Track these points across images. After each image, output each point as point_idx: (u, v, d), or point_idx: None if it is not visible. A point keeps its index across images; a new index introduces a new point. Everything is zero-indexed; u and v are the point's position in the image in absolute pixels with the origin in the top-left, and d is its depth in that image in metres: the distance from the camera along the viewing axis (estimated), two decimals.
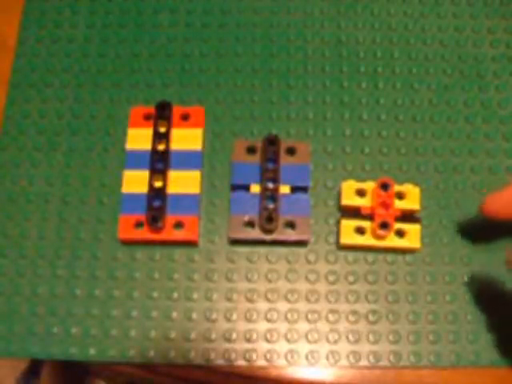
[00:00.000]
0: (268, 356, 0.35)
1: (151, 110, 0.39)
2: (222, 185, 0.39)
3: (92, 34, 0.43)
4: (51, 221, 0.38)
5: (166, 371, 0.37)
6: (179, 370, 0.37)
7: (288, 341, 0.36)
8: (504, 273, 0.37)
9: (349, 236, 0.37)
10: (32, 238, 0.38)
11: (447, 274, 0.37)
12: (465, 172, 0.39)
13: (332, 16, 0.43)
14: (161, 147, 0.38)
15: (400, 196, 0.37)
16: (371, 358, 0.35)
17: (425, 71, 0.42)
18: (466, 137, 0.40)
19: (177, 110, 0.39)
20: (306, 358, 0.35)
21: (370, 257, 0.37)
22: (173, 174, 0.38)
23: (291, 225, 0.37)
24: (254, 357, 0.35)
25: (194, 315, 0.36)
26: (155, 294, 0.37)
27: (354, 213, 0.37)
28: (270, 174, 0.37)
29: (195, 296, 0.37)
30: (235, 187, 0.38)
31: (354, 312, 0.36)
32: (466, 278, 0.37)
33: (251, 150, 0.38)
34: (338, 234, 0.37)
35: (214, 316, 0.36)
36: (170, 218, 0.37)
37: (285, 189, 0.37)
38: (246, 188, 0.37)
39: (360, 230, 0.37)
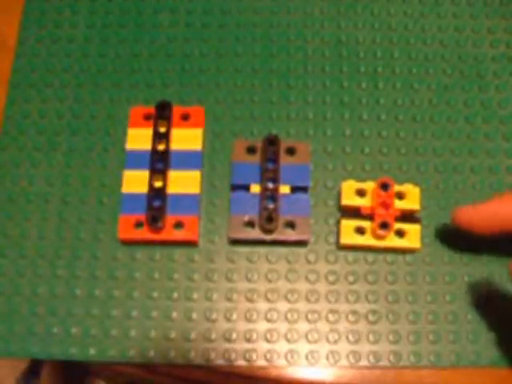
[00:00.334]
0: (268, 356, 0.35)
1: (151, 110, 0.39)
2: (222, 185, 0.39)
3: (92, 34, 0.43)
4: (51, 221, 0.38)
5: (166, 371, 0.37)
6: (179, 370, 0.37)
7: (288, 341, 0.36)
8: (504, 273, 0.37)
9: (349, 236, 0.37)
10: (32, 238, 0.38)
11: (447, 273, 0.37)
12: (465, 172, 0.39)
13: (332, 16, 0.43)
14: (161, 147, 0.38)
15: (400, 196, 0.37)
16: (371, 357, 0.35)
17: (425, 71, 0.42)
18: (466, 137, 0.40)
19: (177, 110, 0.39)
20: (306, 358, 0.35)
21: (370, 257, 0.37)
22: (173, 174, 0.38)
23: (291, 225, 0.37)
24: (254, 357, 0.35)
25: (194, 315, 0.36)
26: (155, 294, 0.37)
27: (354, 213, 0.37)
28: (269, 174, 0.37)
29: (195, 296, 0.37)
30: (235, 187, 0.38)
31: (354, 312, 0.36)
32: (466, 278, 0.37)
33: (251, 150, 0.38)
34: (337, 233, 0.37)
35: (214, 316, 0.36)
36: (170, 218, 0.37)
37: (285, 189, 0.37)
38: (246, 188, 0.37)
39: (360, 230, 0.37)
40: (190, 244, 0.37)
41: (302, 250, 0.38)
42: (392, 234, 0.36)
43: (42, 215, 0.38)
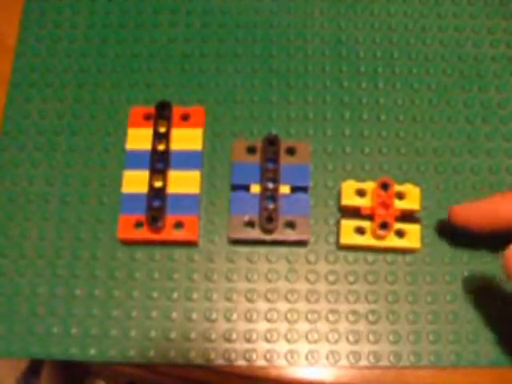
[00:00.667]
0: (268, 356, 0.35)
1: (151, 110, 0.39)
2: (222, 185, 0.39)
3: (92, 34, 0.43)
4: (51, 221, 0.38)
5: (166, 371, 0.37)
6: (179, 370, 0.37)
7: (288, 341, 0.36)
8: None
9: (349, 236, 0.37)
10: (32, 238, 0.38)
11: (447, 273, 0.37)
12: (465, 172, 0.39)
13: (332, 16, 0.43)
14: (161, 147, 0.38)
15: (400, 196, 0.37)
16: (371, 357, 0.35)
17: (425, 71, 0.42)
18: (466, 137, 0.40)
19: (177, 110, 0.39)
20: (306, 358, 0.35)
21: (370, 257, 0.37)
22: (173, 174, 0.38)
23: (291, 225, 0.37)
24: (254, 357, 0.35)
25: (194, 315, 0.36)
26: (155, 294, 0.37)
27: (353, 213, 0.37)
28: (269, 174, 0.37)
29: (195, 296, 0.37)
30: (235, 187, 0.38)
31: (354, 312, 0.36)
32: (465, 278, 0.37)
33: (251, 150, 0.38)
34: (337, 234, 0.37)
35: (213, 316, 0.36)
36: (170, 218, 0.37)
37: (285, 189, 0.37)
38: (246, 188, 0.37)
39: (360, 230, 0.37)
40: (190, 244, 0.37)
41: (301, 250, 0.38)
42: (392, 234, 0.36)
43: (42, 215, 0.38)
